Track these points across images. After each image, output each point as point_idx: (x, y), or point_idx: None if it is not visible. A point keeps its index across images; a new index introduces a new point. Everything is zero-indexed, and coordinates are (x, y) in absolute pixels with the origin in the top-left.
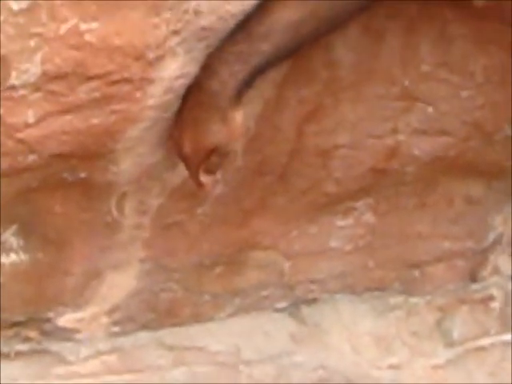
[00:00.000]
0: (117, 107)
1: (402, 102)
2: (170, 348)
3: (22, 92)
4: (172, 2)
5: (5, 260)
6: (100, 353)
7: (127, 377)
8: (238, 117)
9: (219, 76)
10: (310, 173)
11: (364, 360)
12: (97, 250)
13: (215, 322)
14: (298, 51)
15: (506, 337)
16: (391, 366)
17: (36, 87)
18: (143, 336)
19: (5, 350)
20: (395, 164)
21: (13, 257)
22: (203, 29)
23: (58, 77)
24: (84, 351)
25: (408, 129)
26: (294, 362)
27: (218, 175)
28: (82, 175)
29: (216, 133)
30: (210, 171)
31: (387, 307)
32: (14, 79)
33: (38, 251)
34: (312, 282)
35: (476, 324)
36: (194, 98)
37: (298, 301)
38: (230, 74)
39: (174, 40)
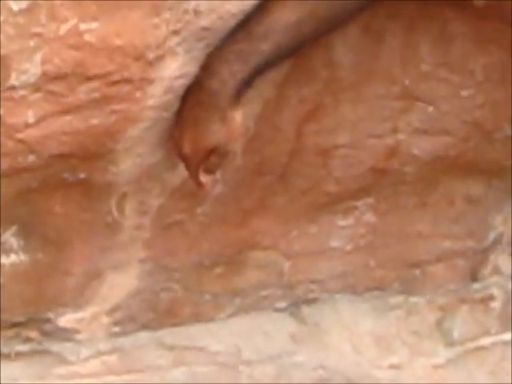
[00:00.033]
0: (117, 107)
1: (402, 101)
2: (171, 348)
3: (21, 92)
4: (172, 2)
5: (5, 260)
6: (100, 353)
7: (127, 377)
8: (238, 116)
9: (219, 76)
10: (310, 172)
11: (364, 360)
12: (97, 251)
13: (215, 322)
14: (297, 51)
15: (507, 336)
16: (391, 366)
17: (36, 87)
18: (143, 336)
19: (5, 350)
20: (395, 163)
21: (13, 257)
22: (203, 29)
23: (58, 77)
24: (84, 351)
25: (408, 128)
26: (294, 362)
27: (218, 175)
28: (82, 175)
29: (216, 133)
30: (209, 171)
31: (387, 307)
32: (13, 80)
33: (38, 252)
34: (312, 281)
35: (476, 323)
36: (193, 97)
37: (298, 301)
38: (229, 74)
39: (174, 40)
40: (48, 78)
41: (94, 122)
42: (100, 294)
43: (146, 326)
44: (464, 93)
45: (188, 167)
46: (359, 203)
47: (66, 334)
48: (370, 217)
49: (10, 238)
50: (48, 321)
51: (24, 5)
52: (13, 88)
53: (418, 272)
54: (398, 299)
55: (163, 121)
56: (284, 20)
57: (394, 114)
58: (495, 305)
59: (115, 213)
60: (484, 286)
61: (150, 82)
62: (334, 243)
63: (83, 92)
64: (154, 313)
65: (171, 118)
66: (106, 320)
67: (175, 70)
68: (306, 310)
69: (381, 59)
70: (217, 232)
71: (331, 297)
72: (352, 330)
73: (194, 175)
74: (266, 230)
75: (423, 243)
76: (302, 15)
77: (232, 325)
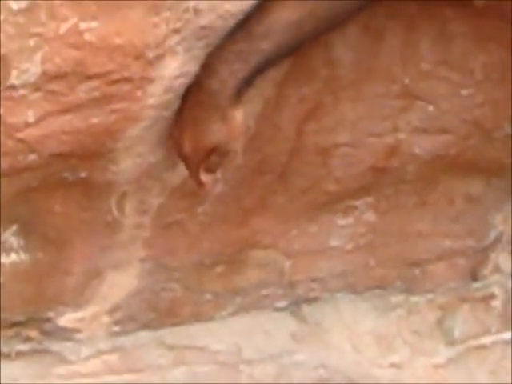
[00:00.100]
0: (117, 106)
1: (402, 100)
2: (171, 347)
3: (21, 92)
4: (172, 1)
5: (5, 260)
6: (101, 352)
7: (128, 376)
8: (238, 116)
9: (219, 75)
10: (310, 171)
11: (365, 359)
12: (97, 250)
13: (216, 322)
14: (297, 50)
15: (507, 335)
16: (392, 365)
17: (36, 87)
18: (144, 335)
19: (5, 350)
20: (395, 162)
21: (13, 256)
22: (203, 28)
23: (58, 76)
24: (85, 351)
25: (408, 127)
26: (294, 361)
27: (218, 174)
28: (82, 175)
29: (216, 132)
30: (210, 170)
31: (388, 306)
32: (13, 79)
33: (39, 251)
34: (313, 280)
35: (477, 322)
36: (193, 97)
37: (298, 300)
38: (229, 73)
39: (174, 39)
40: (48, 77)
41: (94, 121)
42: (100, 293)
43: (146, 326)
44: (464, 91)
45: (188, 166)
46: (359, 202)
47: (66, 334)
48: (369, 216)
49: (10, 237)
50: (48, 320)
51: (24, 4)
52: (13, 87)
53: (418, 271)
54: (398, 298)
55: (163, 120)
56: (284, 19)
57: (394, 113)
58: (496, 303)
59: (115, 212)
60: (484, 284)
61: (150, 81)
62: (334, 242)
63: (83, 91)
64: (155, 312)
65: (171, 117)
66: (106, 319)
67: (175, 69)
68: (306, 309)
69: (381, 58)
70: (217, 231)
71: (332, 296)
72: (352, 329)
73: (194, 174)
74: (267, 229)
75: (423, 242)
76: (302, 15)
77: (232, 324)
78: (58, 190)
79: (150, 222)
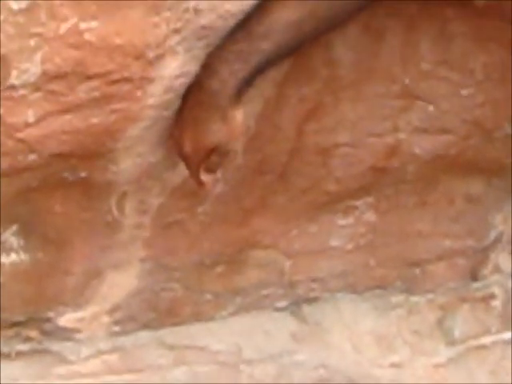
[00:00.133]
0: (117, 106)
1: (402, 100)
2: (171, 347)
3: (21, 92)
4: (172, 1)
5: (5, 260)
6: (101, 352)
7: (128, 376)
8: (239, 116)
9: (219, 75)
10: (310, 171)
11: (365, 359)
12: (97, 250)
13: (216, 322)
14: (298, 50)
15: (507, 335)
16: (392, 365)
17: (36, 87)
18: (144, 335)
19: (5, 350)
20: (395, 162)
21: (13, 256)
22: (203, 28)
23: (58, 76)
24: (85, 351)
25: (408, 127)
26: (294, 361)
27: (219, 174)
28: (82, 175)
29: (216, 132)
30: (210, 170)
31: (388, 306)
32: (13, 79)
33: (39, 251)
34: (313, 280)
35: (477, 322)
36: (194, 97)
37: (298, 300)
38: (230, 73)
39: (174, 39)
40: (48, 77)
41: (94, 121)
42: (100, 293)
43: (146, 326)
44: (464, 91)
45: (188, 166)
46: (359, 202)
47: (66, 334)
48: (370, 216)
49: (10, 237)
50: (48, 320)
51: (24, 4)
52: (13, 87)
53: (418, 271)
54: (398, 298)
55: (163, 120)
56: (284, 19)
57: (394, 113)
58: (496, 303)
59: (115, 212)
60: (484, 284)
61: (150, 81)
62: (335, 242)
63: (83, 91)
64: (155, 312)
65: (171, 117)
66: (106, 319)
67: (175, 68)
68: (306, 309)
69: (381, 58)
70: (217, 231)
71: (332, 296)
72: (353, 329)
73: (194, 174)
74: (267, 229)
75: (423, 242)
76: (302, 15)
77: (233, 324)
78: (58, 190)
79: (150, 221)
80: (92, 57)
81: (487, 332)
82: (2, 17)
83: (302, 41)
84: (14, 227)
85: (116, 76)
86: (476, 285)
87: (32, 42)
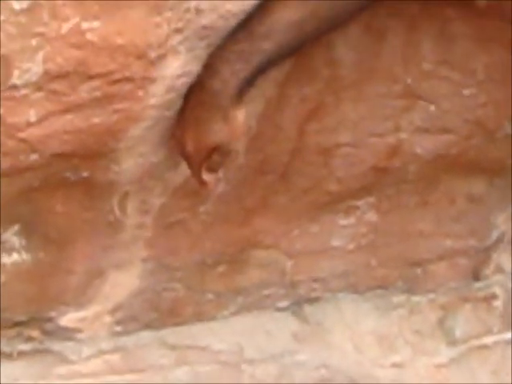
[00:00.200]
0: (118, 106)
1: (404, 100)
2: (173, 347)
3: (23, 91)
4: (173, 1)
5: (7, 260)
6: (102, 352)
7: (130, 376)
8: (240, 116)
9: (221, 75)
10: (312, 171)
11: (366, 359)
12: (99, 250)
13: (218, 321)
14: (299, 50)
15: (509, 335)
16: (394, 365)
17: (38, 86)
18: (146, 335)
19: (7, 349)
20: (397, 162)
21: (15, 256)
22: (204, 27)
23: (60, 76)
24: (86, 351)
25: (410, 127)
26: (296, 361)
27: (220, 174)
28: (84, 174)
29: (218, 132)
30: (212, 170)
31: (390, 306)
32: (15, 79)
33: (40, 251)
34: (314, 280)
35: (479, 322)
36: (195, 97)
37: (300, 300)
38: (231, 73)
39: (176, 39)
40: (50, 76)
41: (96, 120)
42: (102, 292)
43: (148, 326)
44: (466, 91)
45: (190, 166)
46: (361, 202)
47: (67, 333)
48: (371, 216)
49: (12, 237)
50: (50, 320)
51: (26, 4)
52: (15, 87)
53: (419, 271)
54: (400, 298)
55: (165, 120)
56: (285, 19)
57: (396, 113)
58: (497, 303)
59: (117, 212)
60: (486, 284)
61: (152, 80)
62: (336, 242)
63: (85, 91)
64: (157, 312)
65: (173, 117)
66: (108, 319)
67: (177, 68)
68: (308, 308)
69: (382, 58)
70: (219, 231)
71: (333, 296)
72: (354, 329)
73: (196, 174)
74: (268, 229)
75: (425, 242)
76: (304, 15)
77: (234, 324)
78: (59, 190)
79: (152, 221)
80: (94, 57)
81: (489, 332)
82: (4, 17)
83: (304, 41)
84: (16, 227)
85: (118, 76)
86: (478, 285)
87: (34, 42)
